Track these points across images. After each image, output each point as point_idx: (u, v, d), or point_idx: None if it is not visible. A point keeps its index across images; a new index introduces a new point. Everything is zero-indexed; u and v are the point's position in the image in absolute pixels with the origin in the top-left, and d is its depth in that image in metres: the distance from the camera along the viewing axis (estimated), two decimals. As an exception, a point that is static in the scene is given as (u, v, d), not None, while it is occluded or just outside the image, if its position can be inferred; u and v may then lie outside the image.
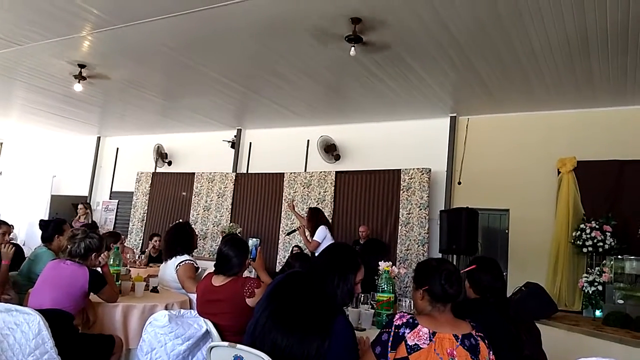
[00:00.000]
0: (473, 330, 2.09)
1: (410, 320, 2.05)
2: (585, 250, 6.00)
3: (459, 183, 7.35)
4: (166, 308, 3.30)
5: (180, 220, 7.77)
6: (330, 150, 8.37)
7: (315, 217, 5.91)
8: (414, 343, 1.99)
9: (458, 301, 2.20)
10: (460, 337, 2.03)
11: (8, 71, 7.04)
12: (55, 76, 7.05)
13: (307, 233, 5.94)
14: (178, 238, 4.16)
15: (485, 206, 6.94)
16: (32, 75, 7.13)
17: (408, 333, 2.01)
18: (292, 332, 2.05)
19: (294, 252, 6.89)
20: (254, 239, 3.49)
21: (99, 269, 3.28)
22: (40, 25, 5.30)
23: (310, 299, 2.16)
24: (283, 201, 8.63)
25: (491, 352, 2.07)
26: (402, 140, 7.89)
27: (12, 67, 6.83)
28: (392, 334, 2.04)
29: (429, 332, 2.02)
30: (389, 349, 2.02)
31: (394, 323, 2.06)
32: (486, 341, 2.07)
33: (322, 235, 5.73)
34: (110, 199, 11.18)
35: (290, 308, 2.14)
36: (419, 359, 1.97)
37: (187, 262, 3.99)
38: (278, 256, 8.37)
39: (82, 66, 6.48)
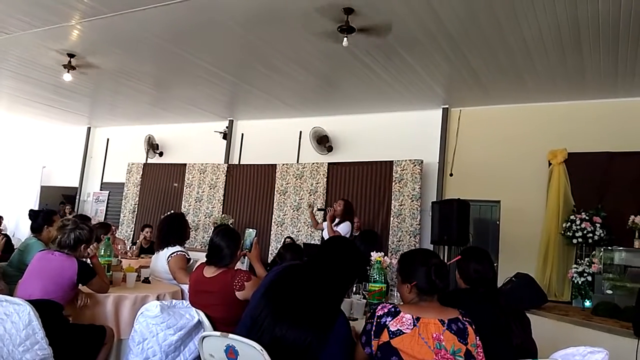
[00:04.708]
0: (460, 315, 2.10)
1: (392, 309, 2.09)
2: (575, 241, 6.04)
3: (451, 175, 7.37)
4: (158, 298, 3.30)
5: (172, 211, 7.76)
6: (323, 141, 8.35)
7: (347, 210, 5.97)
8: (396, 328, 2.02)
9: (448, 291, 2.22)
10: (446, 321, 2.04)
11: (-4, 60, 6.95)
12: (44, 66, 6.96)
13: (336, 220, 5.94)
14: (171, 228, 4.15)
15: (477, 197, 6.96)
16: (20, 64, 7.04)
17: (390, 321, 2.05)
18: (296, 327, 2.06)
19: (286, 242, 6.89)
20: (251, 230, 3.42)
21: (87, 260, 3.26)
22: (29, 14, 5.22)
23: (312, 293, 2.16)
24: (275, 192, 8.62)
25: (478, 338, 2.08)
26: (394, 132, 7.89)
27: (0, 56, 6.73)
28: (374, 323, 2.08)
29: (413, 317, 2.04)
30: (372, 337, 2.06)
31: (376, 314, 2.10)
32: (473, 326, 2.09)
33: (346, 231, 5.78)
34: (100, 190, 11.11)
35: (293, 305, 2.13)
36: (402, 342, 1.99)
37: (178, 253, 3.99)
38: (270, 247, 8.37)
39: (71, 55, 6.40)
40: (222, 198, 9.19)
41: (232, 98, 8.16)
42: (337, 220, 5.93)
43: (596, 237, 5.89)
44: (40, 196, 11.55)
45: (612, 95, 6.36)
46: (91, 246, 3.26)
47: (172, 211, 7.93)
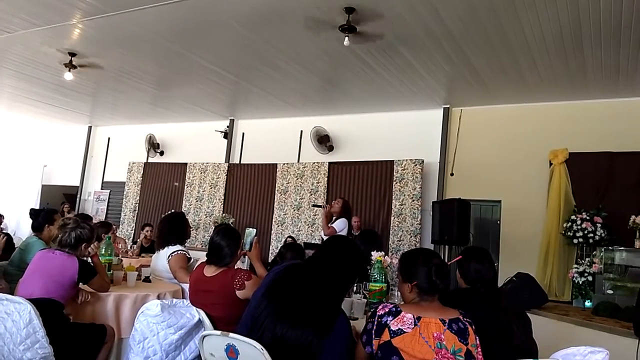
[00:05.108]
0: (460, 315, 2.11)
1: (393, 309, 2.09)
2: (575, 241, 6.04)
3: (452, 174, 7.36)
4: (158, 297, 3.30)
5: (173, 210, 7.77)
6: (324, 141, 8.35)
7: (345, 209, 5.94)
8: (397, 328, 2.02)
9: (449, 290, 2.21)
10: (447, 321, 2.04)
11: (-3, 59, 6.95)
12: (45, 64, 6.96)
13: (333, 218, 5.93)
14: (172, 227, 4.15)
15: (478, 197, 6.96)
16: (21, 63, 7.04)
17: (391, 320, 2.05)
18: (296, 326, 2.06)
19: (287, 242, 6.89)
20: (252, 229, 3.42)
21: (88, 259, 3.25)
22: (30, 13, 5.23)
23: (313, 293, 2.16)
24: (276, 192, 8.63)
25: (478, 339, 2.09)
26: (395, 132, 7.89)
27: (1, 54, 6.73)
28: (375, 323, 2.08)
29: (414, 317, 2.04)
30: (373, 337, 2.06)
31: (377, 313, 2.10)
32: (474, 327, 2.09)
33: (341, 228, 5.77)
34: (101, 189, 11.12)
35: (293, 304, 2.13)
36: (403, 342, 1.99)
37: (179, 252, 3.99)
38: (271, 247, 8.37)
39: (72, 54, 6.40)
40: (223, 197, 9.19)
41: (233, 97, 8.16)
42: (333, 218, 5.92)
43: (597, 237, 5.89)
44: (41, 195, 11.56)
45: (614, 95, 6.35)
46: (92, 245, 3.26)
47: (172, 210, 7.93)
